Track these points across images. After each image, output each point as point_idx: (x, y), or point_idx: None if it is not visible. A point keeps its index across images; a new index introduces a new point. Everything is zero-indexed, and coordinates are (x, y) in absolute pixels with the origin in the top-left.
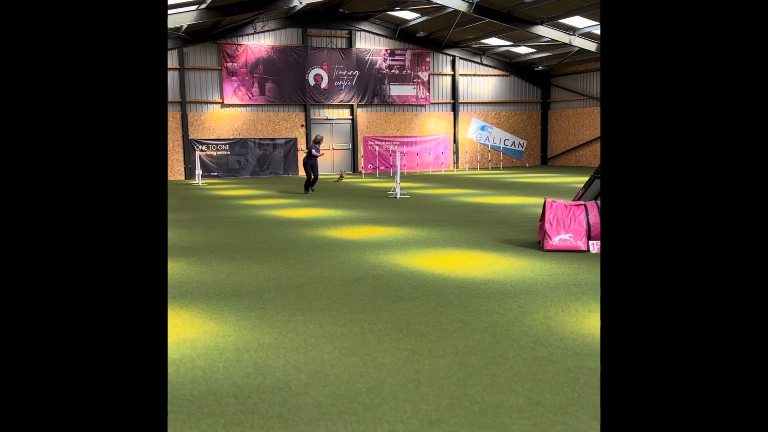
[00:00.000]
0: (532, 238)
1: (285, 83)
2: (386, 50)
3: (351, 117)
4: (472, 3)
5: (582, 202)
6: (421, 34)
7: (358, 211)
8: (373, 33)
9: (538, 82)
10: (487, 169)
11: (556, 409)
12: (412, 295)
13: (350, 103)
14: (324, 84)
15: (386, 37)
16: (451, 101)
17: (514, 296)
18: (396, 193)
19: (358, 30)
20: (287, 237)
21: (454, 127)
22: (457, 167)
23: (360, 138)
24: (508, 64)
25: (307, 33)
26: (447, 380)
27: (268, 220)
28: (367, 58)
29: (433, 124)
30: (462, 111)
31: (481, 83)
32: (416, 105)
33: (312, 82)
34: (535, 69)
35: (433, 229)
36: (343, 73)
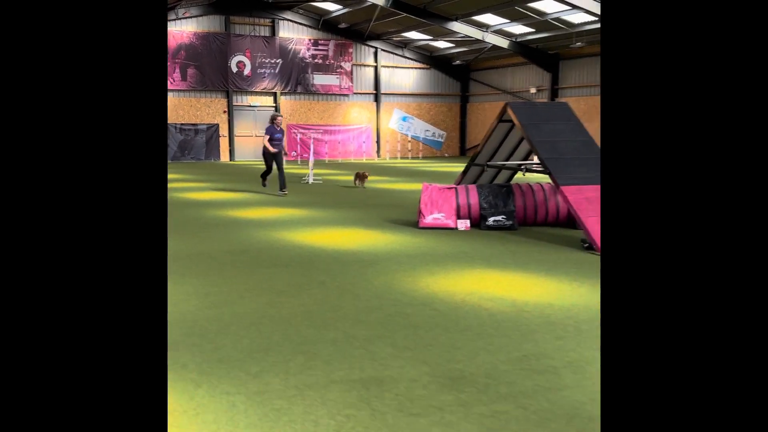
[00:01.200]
0: (415, 219)
1: (207, 69)
2: (310, 40)
3: (274, 105)
4: None
5: (454, 186)
6: (343, 25)
7: (266, 195)
8: (296, 22)
9: (457, 75)
10: (407, 158)
11: (362, 340)
12: (286, 263)
13: (273, 90)
14: (247, 71)
15: (309, 27)
16: (374, 92)
17: (373, 263)
18: (308, 179)
19: (281, 19)
20: (189, 216)
21: (377, 117)
22: (379, 156)
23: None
24: (429, 58)
25: (230, 20)
26: (286, 323)
27: (176, 201)
28: (290, 47)
29: (356, 114)
30: (384, 102)
31: (403, 75)
32: (339, 94)
33: (235, 69)
34: (454, 63)
35: (331, 210)
36: (267, 61)
